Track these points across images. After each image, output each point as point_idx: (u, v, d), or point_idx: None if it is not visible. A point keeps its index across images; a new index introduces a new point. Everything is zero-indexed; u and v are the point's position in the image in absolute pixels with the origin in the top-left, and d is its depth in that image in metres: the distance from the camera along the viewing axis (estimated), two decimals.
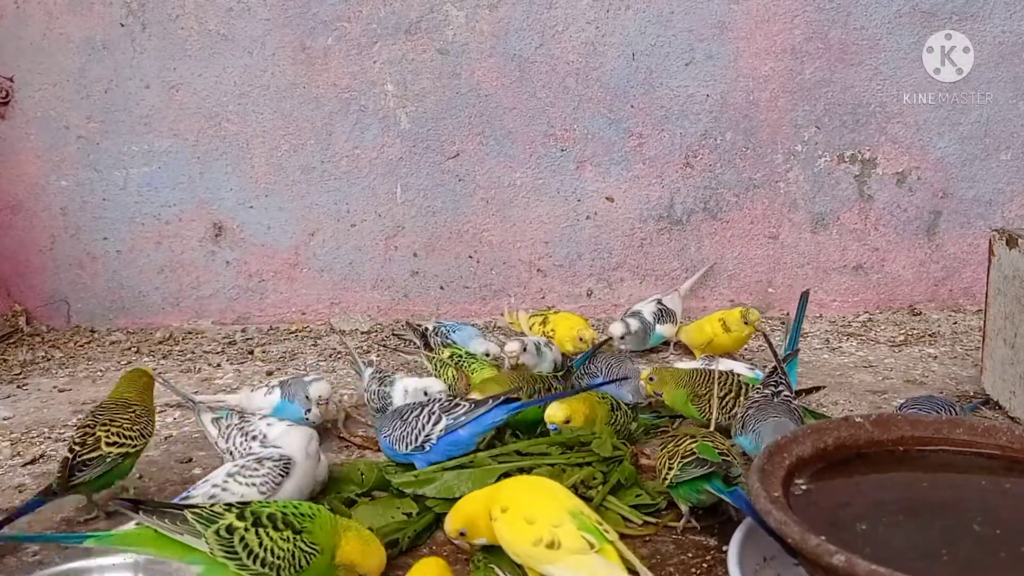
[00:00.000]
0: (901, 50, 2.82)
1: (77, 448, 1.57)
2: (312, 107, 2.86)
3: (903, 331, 2.75)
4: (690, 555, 1.43)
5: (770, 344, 1.92)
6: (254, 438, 1.70)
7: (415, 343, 2.45)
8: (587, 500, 1.47)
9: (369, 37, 2.81)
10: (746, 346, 2.50)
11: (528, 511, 1.30)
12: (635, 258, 2.96)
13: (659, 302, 2.59)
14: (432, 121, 2.87)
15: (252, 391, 2.06)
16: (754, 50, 2.82)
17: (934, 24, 2.81)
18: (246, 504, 1.28)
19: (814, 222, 2.94)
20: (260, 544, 1.22)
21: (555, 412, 1.75)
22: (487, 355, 2.21)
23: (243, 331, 2.91)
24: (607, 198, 2.92)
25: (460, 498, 1.47)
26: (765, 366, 2.18)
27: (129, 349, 2.77)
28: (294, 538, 1.23)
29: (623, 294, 2.97)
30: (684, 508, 1.49)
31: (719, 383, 1.85)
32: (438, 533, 1.50)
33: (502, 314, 2.90)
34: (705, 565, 1.39)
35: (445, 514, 1.43)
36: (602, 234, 2.94)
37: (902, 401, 1.96)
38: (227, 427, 1.76)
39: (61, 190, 2.90)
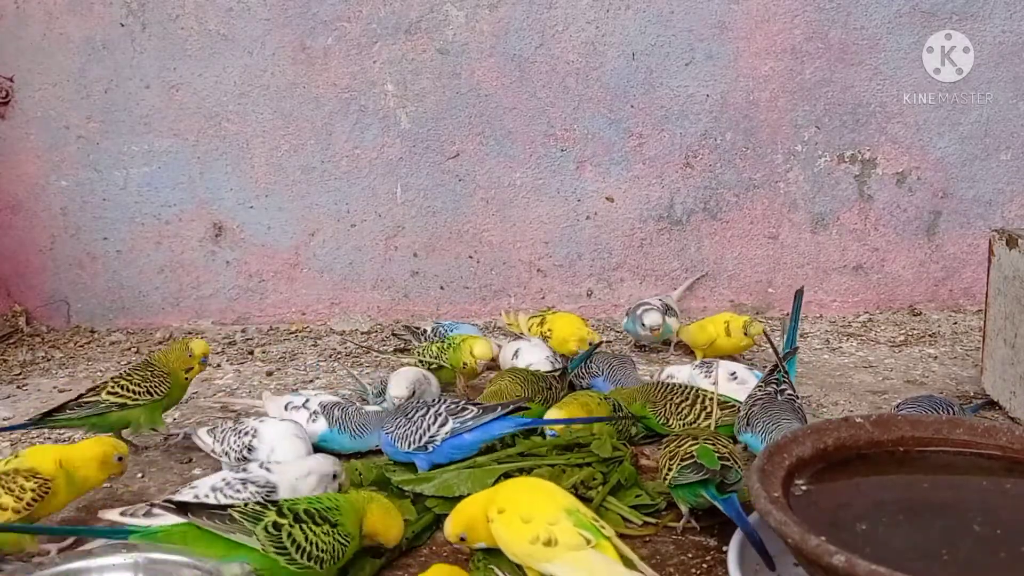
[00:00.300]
0: (901, 50, 2.82)
1: (87, 393, 1.83)
2: (312, 107, 2.86)
3: (903, 331, 2.75)
4: (690, 555, 1.43)
5: (771, 343, 1.93)
6: (245, 434, 1.71)
7: (411, 342, 2.47)
8: (587, 501, 1.47)
9: (369, 37, 2.81)
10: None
11: (524, 510, 1.30)
12: (635, 258, 2.96)
13: (661, 300, 2.60)
14: (432, 121, 2.87)
15: (287, 409, 1.89)
16: (754, 50, 2.82)
17: (934, 24, 2.81)
18: (274, 502, 1.32)
19: (814, 222, 2.94)
20: (306, 539, 1.27)
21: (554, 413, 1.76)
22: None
23: (243, 331, 2.91)
24: (607, 198, 2.92)
25: (459, 497, 1.47)
26: (765, 366, 2.18)
27: (129, 349, 2.77)
28: (332, 531, 1.30)
29: (623, 294, 2.97)
30: (684, 508, 1.49)
31: (680, 392, 1.88)
32: (438, 533, 1.50)
33: (502, 314, 2.90)
34: (705, 565, 1.39)
35: (445, 514, 1.43)
36: (602, 234, 2.94)
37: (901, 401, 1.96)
38: (222, 431, 1.76)
39: (61, 190, 2.90)
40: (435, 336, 2.38)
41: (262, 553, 1.26)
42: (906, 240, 2.95)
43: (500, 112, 2.86)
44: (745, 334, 2.33)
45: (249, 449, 1.69)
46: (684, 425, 1.80)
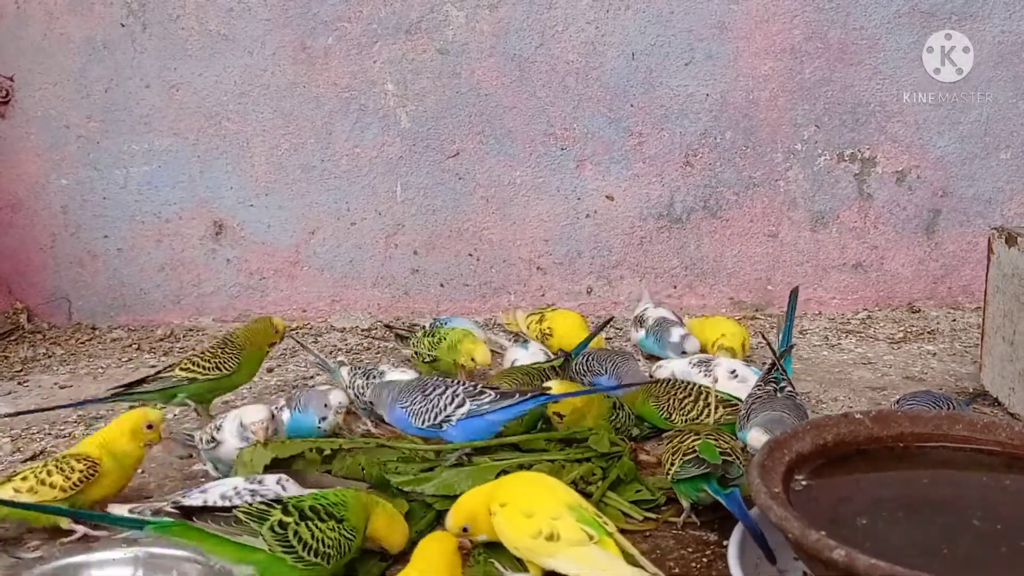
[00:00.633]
0: (901, 50, 2.83)
1: (164, 368, 1.97)
2: (312, 106, 2.86)
3: (902, 328, 2.76)
4: (690, 550, 1.43)
5: (769, 343, 1.94)
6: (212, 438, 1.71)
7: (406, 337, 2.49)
8: (587, 496, 1.48)
9: (369, 37, 2.82)
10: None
11: (527, 505, 1.31)
12: (635, 256, 2.96)
13: (667, 310, 2.57)
14: (432, 120, 2.87)
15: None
16: (754, 50, 2.83)
17: (934, 24, 2.81)
18: (279, 500, 1.32)
19: (814, 220, 2.94)
20: (312, 536, 1.27)
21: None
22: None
23: None
24: (607, 196, 2.92)
25: (459, 496, 1.48)
26: (763, 363, 2.18)
27: (130, 346, 2.77)
28: (338, 527, 1.30)
29: (623, 292, 2.97)
30: (685, 504, 1.50)
31: (683, 388, 1.88)
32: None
33: (500, 313, 2.91)
34: (705, 560, 1.40)
35: (445, 512, 1.44)
36: (602, 232, 2.95)
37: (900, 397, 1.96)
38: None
39: (62, 189, 2.90)
40: (430, 330, 2.39)
41: (269, 554, 1.25)
42: (905, 238, 2.96)
43: (500, 111, 2.86)
44: (724, 348, 2.31)
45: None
46: (687, 420, 1.81)
